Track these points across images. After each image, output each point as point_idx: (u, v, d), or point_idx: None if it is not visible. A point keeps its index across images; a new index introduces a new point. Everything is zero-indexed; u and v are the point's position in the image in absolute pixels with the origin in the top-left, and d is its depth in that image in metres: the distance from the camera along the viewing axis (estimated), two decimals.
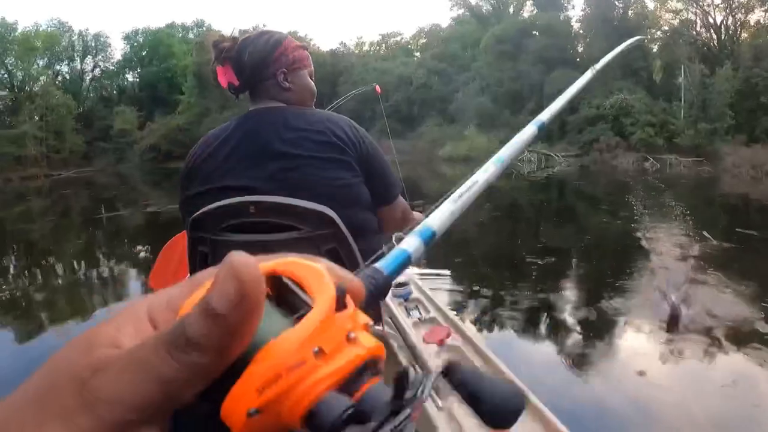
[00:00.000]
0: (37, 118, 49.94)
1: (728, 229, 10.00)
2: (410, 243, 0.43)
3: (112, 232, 13.96)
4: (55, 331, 5.96)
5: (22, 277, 9.25)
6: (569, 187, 21.08)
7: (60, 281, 8.64)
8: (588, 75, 1.14)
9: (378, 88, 4.32)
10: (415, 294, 3.11)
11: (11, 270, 10.03)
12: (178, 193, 1.93)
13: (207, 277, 0.35)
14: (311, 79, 2.00)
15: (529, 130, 0.99)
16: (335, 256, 1.69)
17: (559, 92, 1.18)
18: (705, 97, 35.22)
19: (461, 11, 57.55)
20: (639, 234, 9.28)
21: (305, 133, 1.76)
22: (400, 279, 3.08)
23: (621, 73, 40.77)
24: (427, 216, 0.67)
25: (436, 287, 5.84)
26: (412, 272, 3.28)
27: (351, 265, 1.68)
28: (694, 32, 43.45)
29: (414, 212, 2.13)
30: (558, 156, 36.33)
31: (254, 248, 1.56)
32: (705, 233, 8.77)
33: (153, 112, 53.73)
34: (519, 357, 4.20)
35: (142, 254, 10.48)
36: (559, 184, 22.61)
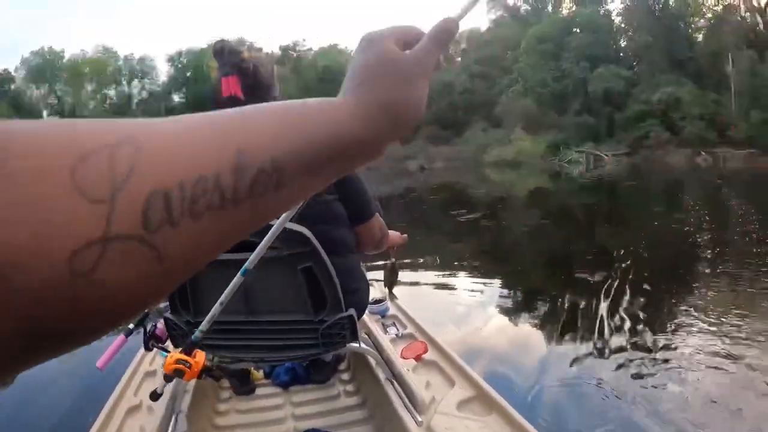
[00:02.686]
0: None
1: None
2: None
3: None
4: None
5: None
6: (620, 188, 20.45)
7: None
8: None
9: None
10: (393, 311, 3.09)
11: None
12: None
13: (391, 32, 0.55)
14: None
15: None
16: (310, 274, 1.73)
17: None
18: (756, 85, 34.08)
19: (499, 13, 57.18)
20: (694, 240, 8.69)
21: None
22: (377, 296, 3.12)
23: (667, 65, 39.87)
24: None
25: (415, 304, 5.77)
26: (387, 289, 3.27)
27: (326, 282, 1.74)
28: (739, 17, 42.15)
29: (391, 231, 2.15)
30: (607, 155, 35.57)
31: (230, 267, 1.39)
32: None
33: None
34: (499, 372, 4.06)
35: None
36: (610, 185, 22.00)
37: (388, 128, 0.50)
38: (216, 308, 1.66)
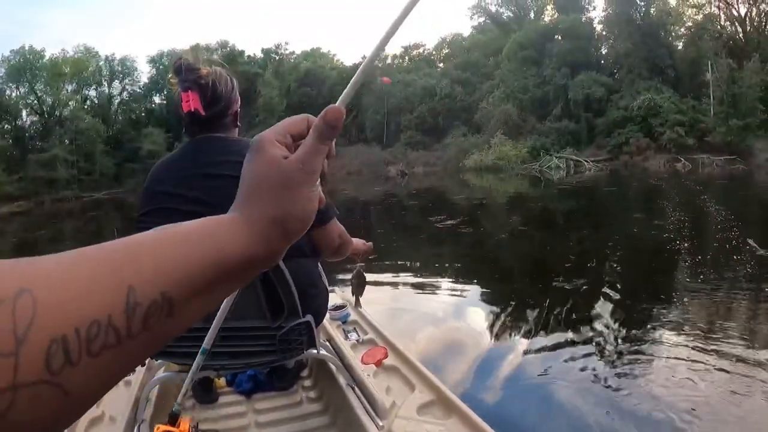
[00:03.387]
0: (67, 141, 50.90)
1: None
2: None
3: None
4: None
5: None
6: (600, 194, 20.58)
7: None
8: None
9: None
10: (353, 316, 3.14)
11: None
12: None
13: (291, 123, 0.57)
14: None
15: None
16: (267, 280, 1.78)
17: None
18: (734, 92, 34.55)
19: (482, 19, 57.40)
20: (672, 246, 8.70)
21: (237, 157, 1.79)
22: (338, 302, 3.19)
23: (647, 72, 40.21)
24: None
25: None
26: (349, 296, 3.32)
27: (282, 288, 1.78)
28: (719, 26, 42.67)
29: (355, 239, 2.12)
30: (587, 161, 35.79)
31: None
32: (750, 242, 8.10)
33: (181, 132, 54.14)
34: (459, 375, 4.01)
35: None
36: (589, 191, 22.14)
37: (277, 240, 0.52)
38: (193, 372, 1.76)
